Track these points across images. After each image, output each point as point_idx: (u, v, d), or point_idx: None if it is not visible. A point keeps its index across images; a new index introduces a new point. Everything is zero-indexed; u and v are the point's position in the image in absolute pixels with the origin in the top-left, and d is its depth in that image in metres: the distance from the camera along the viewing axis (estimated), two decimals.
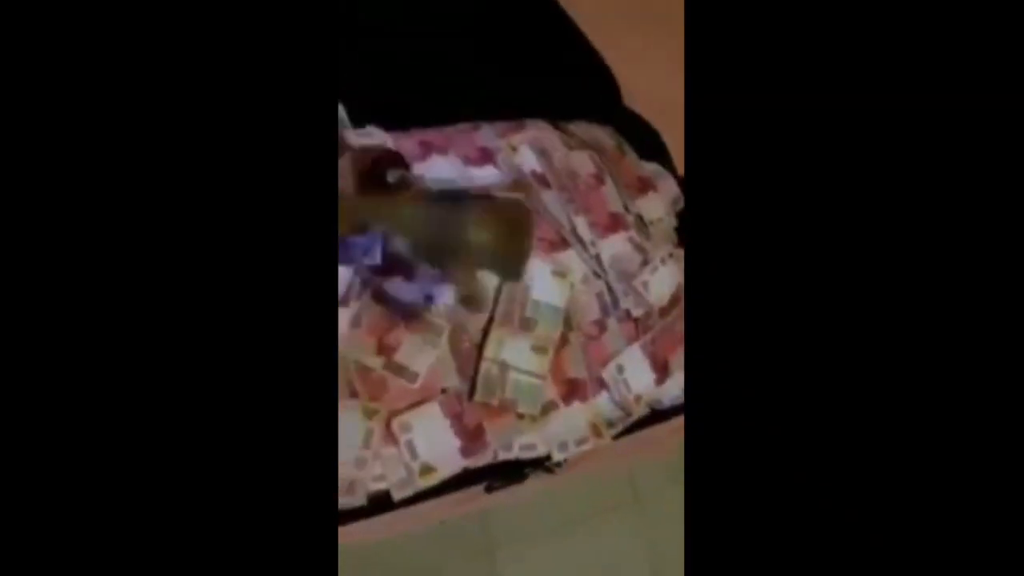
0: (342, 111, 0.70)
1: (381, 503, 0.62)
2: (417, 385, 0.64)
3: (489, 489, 0.70)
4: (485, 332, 0.67)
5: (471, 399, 0.66)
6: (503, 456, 0.66)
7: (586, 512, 1.34)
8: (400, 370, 0.63)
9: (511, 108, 0.80)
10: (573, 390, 0.70)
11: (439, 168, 0.70)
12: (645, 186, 0.80)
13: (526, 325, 0.68)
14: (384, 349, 0.63)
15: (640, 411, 0.73)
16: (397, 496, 0.62)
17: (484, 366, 0.66)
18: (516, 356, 0.67)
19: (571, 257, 0.72)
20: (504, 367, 0.67)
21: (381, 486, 0.62)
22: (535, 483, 0.72)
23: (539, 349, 0.68)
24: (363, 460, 0.61)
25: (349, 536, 0.61)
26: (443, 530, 1.24)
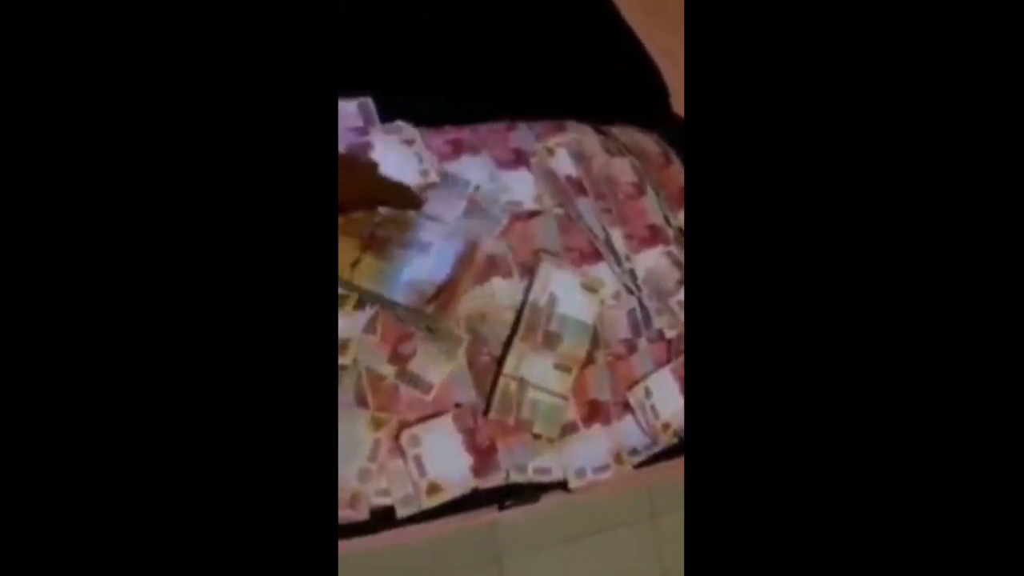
0: (371, 105, 0.66)
1: (385, 519, 0.59)
2: (430, 397, 0.60)
3: (502, 508, 0.66)
4: (506, 345, 0.63)
5: (486, 415, 0.62)
6: (515, 479, 0.63)
7: (600, 525, 1.30)
8: (414, 380, 0.60)
9: (552, 107, 0.75)
10: (595, 412, 0.66)
11: (469, 169, 0.66)
12: None
13: (550, 341, 0.64)
14: (398, 357, 0.60)
15: (667, 440, 0.68)
16: (401, 513, 0.59)
17: (502, 382, 0.62)
18: (537, 373, 0.63)
19: (603, 270, 0.67)
20: (523, 384, 0.63)
21: (385, 501, 0.59)
22: (550, 497, 0.68)
23: (562, 367, 0.64)
24: (368, 472, 0.58)
25: (350, 550, 0.58)
26: (450, 535, 1.21)
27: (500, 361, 0.63)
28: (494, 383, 0.62)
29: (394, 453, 0.59)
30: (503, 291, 0.64)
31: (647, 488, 1.36)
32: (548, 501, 0.69)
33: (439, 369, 0.60)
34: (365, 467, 0.58)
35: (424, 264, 0.59)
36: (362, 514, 0.58)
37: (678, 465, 0.81)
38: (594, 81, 0.81)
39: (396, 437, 0.59)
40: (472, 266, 0.61)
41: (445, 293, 0.58)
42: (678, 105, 0.82)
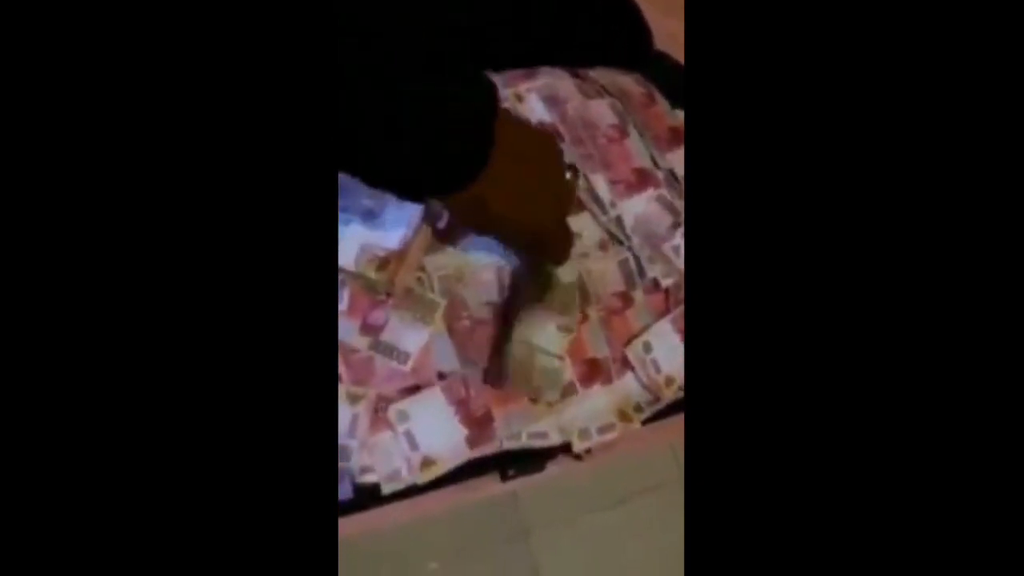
0: None
1: (372, 496, 0.57)
2: (408, 367, 0.57)
3: (504, 477, 0.63)
4: (513, 309, 0.59)
5: (500, 386, 0.57)
6: (508, 445, 0.59)
7: (626, 491, 1.27)
8: (389, 350, 0.57)
9: (525, 54, 0.71)
10: (594, 372, 0.62)
11: None
12: (678, 137, 0.70)
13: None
14: (369, 328, 0.57)
15: (672, 394, 0.64)
16: (387, 490, 0.56)
17: (515, 348, 0.56)
18: (541, 335, 0.57)
19: (585, 221, 0.63)
20: (531, 349, 0.57)
21: (370, 478, 0.56)
22: (563, 465, 0.65)
23: (564, 328, 0.59)
24: (348, 449, 0.55)
25: (352, 529, 0.56)
26: (473, 510, 1.19)
27: (510, 326, 0.58)
28: (501, 350, 0.57)
29: (375, 428, 0.56)
30: (478, 250, 0.60)
31: (671, 449, 1.31)
32: (564, 469, 0.66)
33: (416, 337, 0.57)
34: (345, 444, 0.55)
35: (374, 230, 0.56)
36: (346, 491, 0.55)
37: None
38: (572, 23, 0.76)
39: (376, 411, 0.56)
40: (424, 236, 0.57)
41: (394, 261, 0.55)
42: (659, 43, 0.77)
